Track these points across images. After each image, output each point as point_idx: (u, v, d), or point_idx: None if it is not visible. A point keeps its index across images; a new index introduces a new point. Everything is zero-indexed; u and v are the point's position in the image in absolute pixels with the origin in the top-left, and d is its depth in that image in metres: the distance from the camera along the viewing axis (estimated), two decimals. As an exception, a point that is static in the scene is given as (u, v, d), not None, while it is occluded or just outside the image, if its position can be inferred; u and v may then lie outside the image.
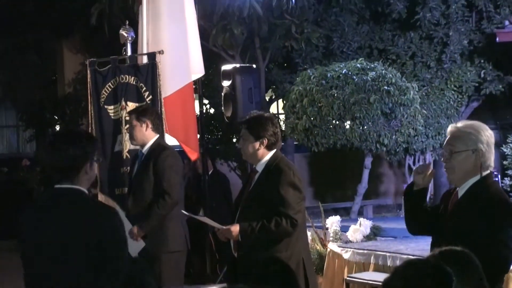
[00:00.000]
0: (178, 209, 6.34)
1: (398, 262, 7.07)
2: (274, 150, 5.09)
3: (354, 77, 10.49)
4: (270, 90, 14.29)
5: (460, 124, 4.08)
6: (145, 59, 8.02)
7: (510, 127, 13.72)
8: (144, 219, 6.26)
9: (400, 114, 10.49)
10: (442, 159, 4.10)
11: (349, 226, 8.52)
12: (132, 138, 6.57)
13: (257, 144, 5.05)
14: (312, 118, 10.54)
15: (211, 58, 12.65)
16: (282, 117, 14.40)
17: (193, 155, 8.30)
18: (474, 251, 3.03)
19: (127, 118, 7.16)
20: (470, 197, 3.96)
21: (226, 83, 9.85)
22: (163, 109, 7.66)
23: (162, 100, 7.75)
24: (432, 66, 12.38)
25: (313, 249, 8.44)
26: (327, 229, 8.68)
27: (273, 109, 16.69)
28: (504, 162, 12.01)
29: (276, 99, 14.93)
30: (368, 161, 11.62)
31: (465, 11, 12.32)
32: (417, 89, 11.18)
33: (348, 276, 7.69)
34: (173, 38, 8.08)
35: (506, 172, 11.85)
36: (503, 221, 3.83)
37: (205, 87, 12.93)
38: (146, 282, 3.03)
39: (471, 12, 12.45)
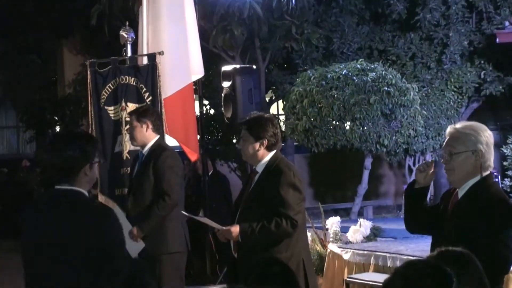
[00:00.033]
0: (178, 210, 6.34)
1: (398, 263, 7.08)
2: (274, 151, 5.09)
3: (354, 78, 10.50)
4: (270, 91, 14.30)
5: (459, 125, 4.08)
6: (145, 60, 8.02)
7: (510, 128, 13.71)
8: (144, 220, 6.26)
9: (400, 115, 10.50)
10: (442, 161, 4.10)
11: (349, 227, 8.53)
12: (132, 139, 6.57)
13: (257, 145, 5.05)
14: (312, 119, 10.55)
15: (211, 59, 12.66)
16: (282, 118, 14.41)
17: (193, 156, 8.31)
18: (474, 252, 3.03)
19: (127, 119, 7.16)
20: (470, 197, 3.96)
21: (226, 84, 9.85)
22: (163, 110, 7.66)
23: (162, 101, 7.76)
24: (432, 67, 12.39)
25: (313, 249, 8.44)
26: (327, 229, 8.69)
27: (273, 110, 16.71)
28: (504, 163, 12.01)
29: (276, 100, 14.94)
30: (368, 162, 11.63)
31: (465, 12, 12.33)
32: (417, 90, 11.19)
33: (348, 277, 7.69)
34: (173, 39, 8.09)
35: (506, 172, 11.85)
36: (503, 221, 3.83)
37: (205, 88, 12.94)
38: (146, 282, 3.02)
39: (471, 13, 12.46)
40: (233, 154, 13.67)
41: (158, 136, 6.58)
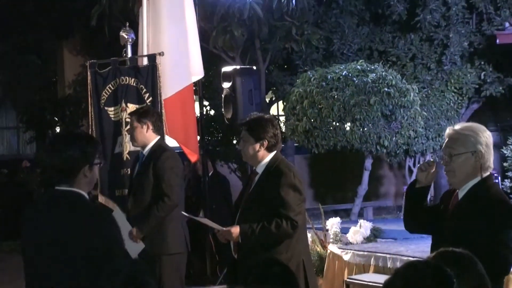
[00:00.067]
0: (178, 211, 6.34)
1: (398, 264, 7.07)
2: (274, 152, 5.09)
3: (354, 79, 10.50)
4: (270, 91, 14.30)
5: (458, 126, 4.08)
6: (145, 61, 8.03)
7: (510, 129, 13.71)
8: (143, 221, 6.26)
9: (400, 116, 10.50)
10: (442, 162, 4.10)
11: (349, 228, 8.53)
12: (133, 140, 6.57)
13: (257, 146, 5.04)
14: (312, 120, 10.54)
15: (211, 60, 12.66)
16: (282, 118, 14.40)
17: (193, 157, 8.31)
18: (475, 252, 3.03)
19: (128, 119, 7.16)
20: (470, 198, 3.96)
21: (226, 85, 9.86)
22: (163, 111, 7.66)
23: (162, 102, 7.76)
24: (432, 68, 12.39)
25: (313, 250, 8.44)
26: (327, 230, 8.69)
27: (273, 110, 16.71)
28: (505, 164, 12.02)
29: (276, 100, 14.94)
30: (368, 162, 11.63)
31: (466, 13, 12.34)
32: (417, 91, 11.19)
33: (348, 278, 7.69)
34: (173, 39, 8.09)
35: (507, 173, 11.85)
36: (503, 222, 3.83)
37: (205, 88, 12.95)
38: (146, 283, 3.02)
39: (472, 14, 12.46)
40: (233, 155, 13.67)
41: (159, 137, 6.57)
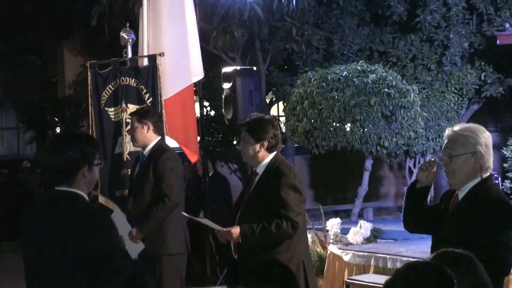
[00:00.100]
0: (178, 211, 6.34)
1: (398, 265, 7.08)
2: (275, 153, 5.09)
3: (355, 79, 10.50)
4: (271, 92, 14.30)
5: (457, 127, 4.08)
6: (145, 61, 8.03)
7: (510, 130, 13.72)
8: (143, 221, 6.26)
9: (400, 117, 10.49)
10: (442, 163, 4.10)
11: (350, 229, 8.52)
12: (133, 140, 6.57)
13: (257, 146, 5.05)
14: (312, 121, 10.54)
15: (211, 61, 12.66)
16: (282, 119, 14.40)
17: (193, 157, 8.31)
18: (475, 253, 3.03)
19: (128, 120, 7.16)
20: (470, 199, 3.97)
21: (226, 85, 9.86)
22: (163, 111, 7.66)
23: (163, 102, 7.76)
24: (432, 69, 12.39)
25: (314, 251, 8.44)
26: (327, 231, 8.68)
27: (273, 111, 16.71)
28: (505, 165, 12.02)
29: (277, 101, 14.94)
30: (368, 163, 11.62)
31: (466, 14, 12.34)
32: (417, 92, 11.18)
33: (348, 278, 7.69)
34: (173, 40, 8.09)
35: (507, 174, 11.85)
36: (503, 222, 3.83)
37: (206, 89, 12.94)
38: (146, 283, 3.02)
39: (472, 14, 12.46)
40: (234, 156, 13.67)
41: (159, 137, 6.57)
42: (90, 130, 7.88)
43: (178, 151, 7.22)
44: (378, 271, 7.54)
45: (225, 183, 11.26)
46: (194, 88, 9.12)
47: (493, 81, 12.30)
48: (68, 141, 3.75)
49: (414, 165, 12.52)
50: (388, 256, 7.51)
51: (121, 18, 11.38)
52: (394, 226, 9.35)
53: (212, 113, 14.62)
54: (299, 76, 11.56)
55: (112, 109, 7.87)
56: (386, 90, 10.36)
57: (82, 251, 3.53)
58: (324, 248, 8.62)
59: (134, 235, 6.16)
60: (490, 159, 4.02)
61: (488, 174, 4.01)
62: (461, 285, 2.74)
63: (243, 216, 5.03)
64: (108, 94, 7.89)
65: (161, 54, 7.79)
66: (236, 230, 4.94)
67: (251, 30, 12.30)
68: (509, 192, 11.28)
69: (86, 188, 3.74)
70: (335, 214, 11.49)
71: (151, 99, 7.73)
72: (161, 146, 6.50)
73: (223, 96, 10.05)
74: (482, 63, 12.39)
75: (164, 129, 7.48)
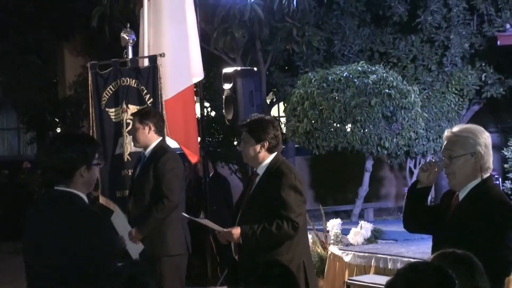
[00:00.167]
0: (178, 212, 6.33)
1: (399, 265, 7.07)
2: (275, 153, 5.09)
3: (355, 80, 10.50)
4: (271, 93, 14.31)
5: (456, 128, 4.08)
6: (146, 62, 8.03)
7: (511, 130, 13.71)
8: (143, 222, 6.25)
9: (401, 117, 10.50)
10: (442, 164, 4.10)
11: (350, 229, 8.53)
12: (135, 141, 6.57)
13: (258, 147, 5.04)
14: (313, 121, 10.54)
15: (212, 61, 12.67)
16: (283, 120, 14.40)
17: (194, 158, 8.30)
18: (476, 253, 3.03)
19: (128, 120, 7.16)
20: (471, 200, 3.97)
21: (227, 86, 9.86)
22: (164, 112, 7.66)
23: (163, 103, 7.76)
24: (433, 69, 12.40)
25: (314, 252, 8.44)
26: (328, 232, 8.69)
27: (274, 112, 16.71)
28: (505, 165, 12.01)
29: (277, 102, 14.95)
30: (369, 164, 11.62)
31: (466, 14, 12.34)
32: (418, 92, 11.19)
33: (349, 279, 7.69)
34: (174, 41, 8.09)
35: (507, 175, 11.84)
36: (504, 223, 3.83)
37: (206, 90, 12.94)
38: (146, 283, 3.02)
39: (472, 15, 12.47)
40: (234, 156, 13.66)
41: (161, 138, 6.57)
42: (91, 131, 7.88)
43: (178, 152, 7.21)
44: (378, 271, 7.54)
45: (225, 183, 11.26)
46: (195, 89, 9.11)
47: (494, 82, 12.31)
48: (67, 140, 3.75)
49: (415, 166, 12.52)
50: (388, 257, 7.51)
51: (122, 19, 11.38)
52: (395, 227, 9.35)
53: (213, 113, 14.62)
54: (299, 77, 11.57)
55: (113, 109, 7.87)
56: (387, 90, 10.36)
57: (81, 252, 3.53)
58: (325, 248, 8.62)
59: (133, 236, 6.16)
60: (490, 160, 4.02)
61: (488, 174, 4.01)
62: (461, 285, 2.73)
63: (244, 217, 5.03)
64: (109, 94, 7.89)
65: (162, 55, 7.79)
66: (236, 231, 4.93)
67: (251, 31, 12.30)
68: (509, 192, 11.27)
69: (85, 188, 3.72)
70: (336, 214, 11.49)
71: (151, 99, 7.72)
72: (162, 147, 6.50)
73: (223, 97, 10.05)
74: (483, 64, 12.39)
75: (165, 129, 7.48)
